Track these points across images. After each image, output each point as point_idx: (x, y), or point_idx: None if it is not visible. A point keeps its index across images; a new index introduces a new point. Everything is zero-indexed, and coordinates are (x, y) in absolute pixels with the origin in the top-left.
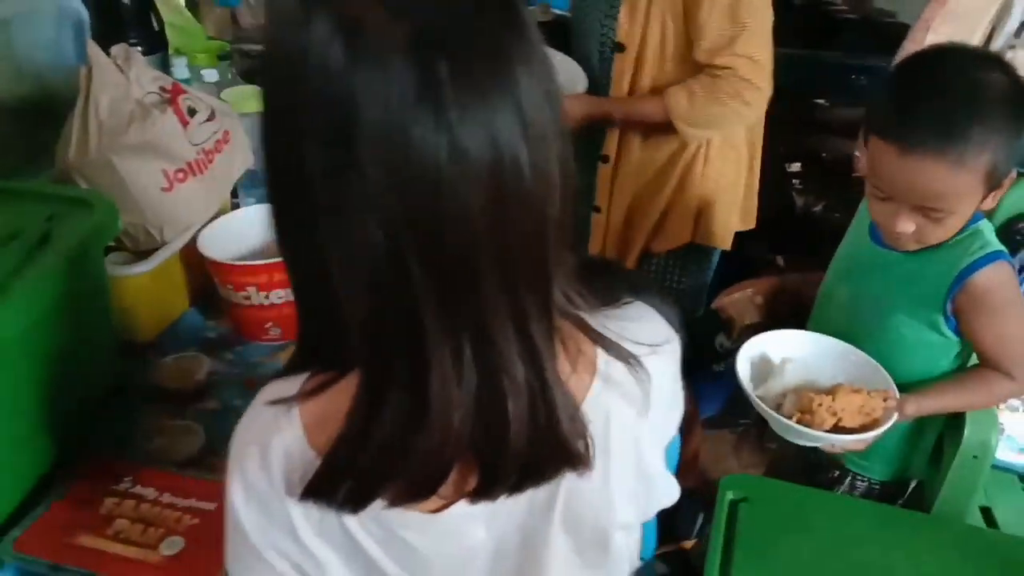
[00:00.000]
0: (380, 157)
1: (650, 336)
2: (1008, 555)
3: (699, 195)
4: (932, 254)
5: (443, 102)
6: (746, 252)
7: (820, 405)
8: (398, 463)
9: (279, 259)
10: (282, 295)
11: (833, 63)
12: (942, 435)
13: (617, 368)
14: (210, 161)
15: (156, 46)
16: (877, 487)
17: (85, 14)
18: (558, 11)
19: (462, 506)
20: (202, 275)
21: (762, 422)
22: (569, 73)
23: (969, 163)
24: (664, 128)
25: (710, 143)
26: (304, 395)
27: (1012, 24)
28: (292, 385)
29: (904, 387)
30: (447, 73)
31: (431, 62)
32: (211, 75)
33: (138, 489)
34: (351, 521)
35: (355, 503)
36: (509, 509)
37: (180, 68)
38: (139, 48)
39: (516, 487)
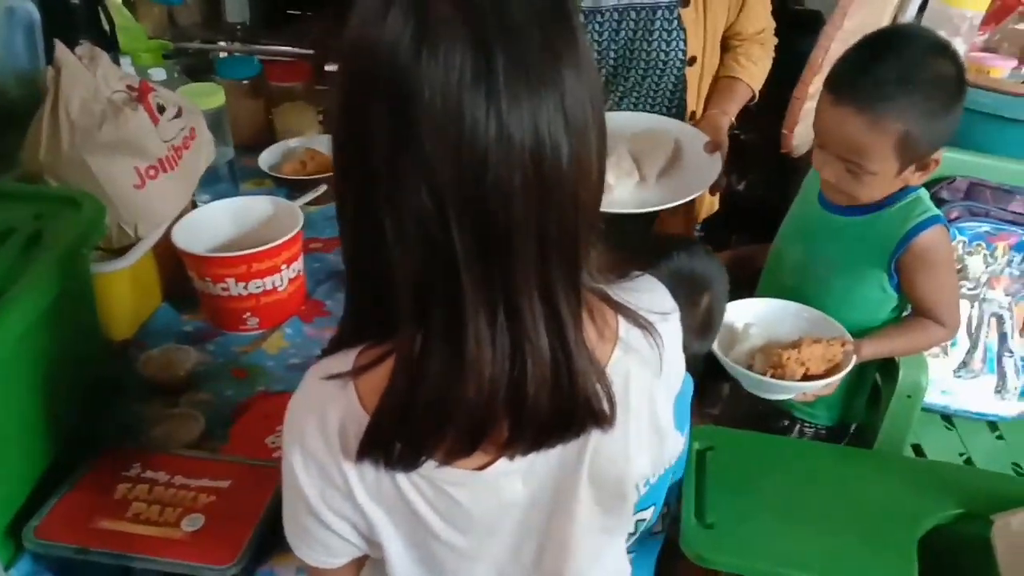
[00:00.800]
0: (435, 132)
1: (660, 306)
2: (939, 478)
3: None
4: (877, 218)
5: (496, 89)
6: (714, 235)
7: (789, 359)
8: (441, 417)
9: (254, 250)
10: (260, 284)
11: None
12: (876, 381)
13: (635, 335)
14: (179, 157)
15: (108, 47)
16: (824, 431)
17: (37, 16)
18: None
19: (503, 463)
20: (171, 270)
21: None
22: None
23: (884, 126)
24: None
25: None
26: (359, 370)
27: (912, 8)
28: (343, 361)
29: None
30: (502, 64)
31: (488, 53)
32: (159, 74)
33: (148, 474)
34: (403, 480)
35: (407, 461)
36: (544, 464)
37: (127, 67)
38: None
39: (540, 443)
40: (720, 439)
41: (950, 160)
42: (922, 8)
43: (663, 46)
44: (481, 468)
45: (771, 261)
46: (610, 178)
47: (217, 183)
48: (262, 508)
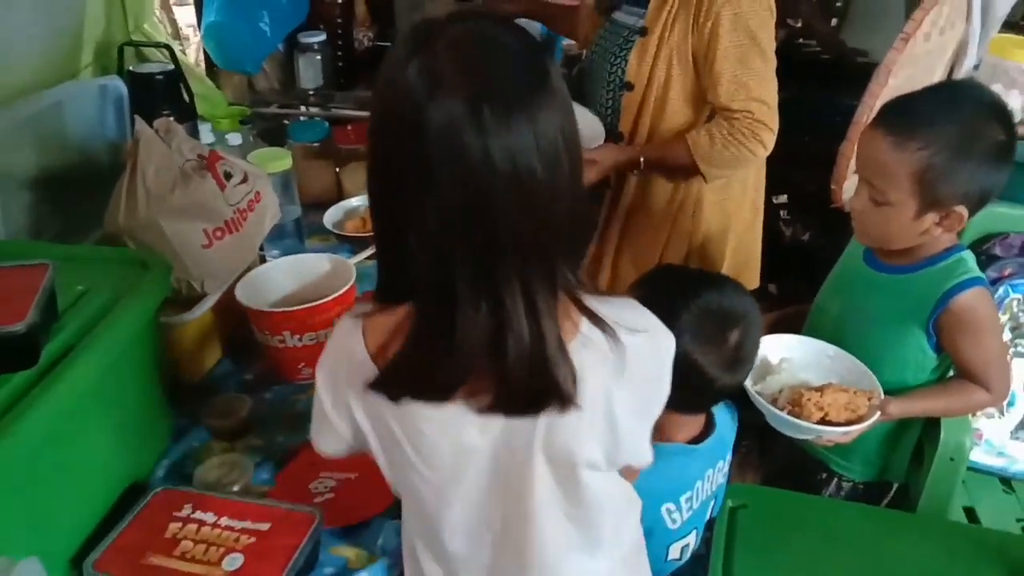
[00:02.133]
0: (440, 159)
1: (629, 321)
2: (988, 546)
3: (690, 240)
4: (917, 276)
5: (483, 129)
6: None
7: (808, 400)
8: (431, 373)
9: (309, 305)
10: (314, 337)
11: (812, 101)
12: (922, 442)
13: (597, 335)
14: (244, 219)
15: (187, 115)
16: (861, 487)
17: (125, 91)
18: None
19: (463, 406)
20: (235, 324)
21: (761, 439)
22: (590, 126)
23: (906, 149)
24: (683, 172)
25: (702, 193)
26: (367, 314)
27: (968, 63)
28: (365, 309)
29: (885, 395)
30: (488, 112)
31: (478, 104)
32: (235, 139)
33: (198, 514)
34: (387, 410)
35: (395, 396)
36: (499, 425)
37: (206, 133)
38: (172, 118)
39: (510, 411)
40: (754, 497)
41: (1004, 215)
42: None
43: (611, 63)
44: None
45: (813, 315)
46: None
47: (284, 239)
48: (294, 551)
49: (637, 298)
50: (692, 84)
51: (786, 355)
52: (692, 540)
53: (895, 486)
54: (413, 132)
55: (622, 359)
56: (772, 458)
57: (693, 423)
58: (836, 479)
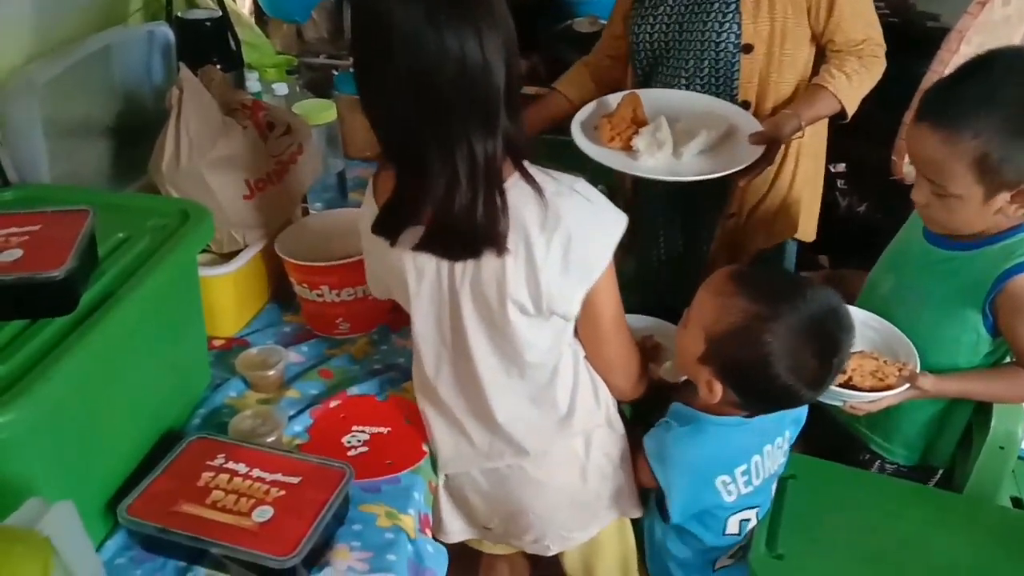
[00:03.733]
0: (403, 45)
1: (565, 183)
2: None
3: (790, 193)
4: (977, 255)
5: (438, 23)
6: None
7: None
8: (408, 212)
9: (349, 260)
10: (351, 292)
11: None
12: (971, 428)
13: (525, 190)
14: (286, 171)
15: (234, 63)
16: (905, 470)
17: (172, 37)
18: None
19: (404, 248)
20: (275, 277)
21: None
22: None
23: (958, 143)
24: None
25: (801, 143)
26: (375, 173)
27: None
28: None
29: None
30: (444, 11)
31: (436, 6)
32: (281, 89)
33: (231, 464)
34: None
35: (386, 237)
36: (426, 262)
37: (253, 83)
38: (219, 66)
39: (451, 255)
40: (804, 468)
41: None
42: None
43: (716, 27)
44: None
45: (866, 289)
46: (640, 144)
47: (327, 192)
48: (323, 507)
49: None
50: (803, 34)
51: None
52: (753, 517)
53: (940, 471)
54: (383, 27)
55: (546, 216)
56: (814, 437)
57: None
58: (879, 461)
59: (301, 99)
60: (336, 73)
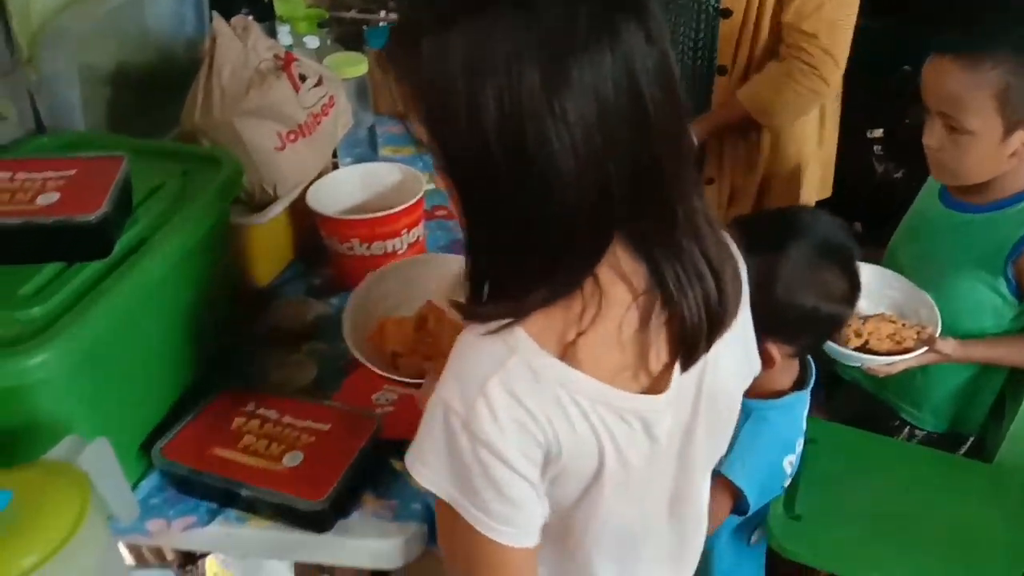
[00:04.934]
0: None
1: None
2: None
3: (770, 172)
4: (997, 216)
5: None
6: None
7: (848, 326)
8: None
9: (376, 215)
10: (381, 246)
11: (916, 29)
12: (1004, 395)
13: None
14: (317, 123)
15: (266, 15)
16: (935, 437)
17: None
18: None
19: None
20: (305, 229)
21: (829, 385)
22: None
23: (981, 72)
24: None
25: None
26: (511, 323)
27: None
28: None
29: None
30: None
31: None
32: (312, 42)
33: (262, 411)
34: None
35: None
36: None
37: (284, 35)
38: (251, 17)
39: (693, 355)
40: (825, 433)
41: None
42: None
43: None
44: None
45: (886, 258)
46: None
47: (357, 147)
48: (354, 453)
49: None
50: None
51: None
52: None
53: (970, 440)
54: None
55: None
56: (841, 404)
57: (795, 364)
58: (908, 428)
59: (332, 52)
60: (367, 28)
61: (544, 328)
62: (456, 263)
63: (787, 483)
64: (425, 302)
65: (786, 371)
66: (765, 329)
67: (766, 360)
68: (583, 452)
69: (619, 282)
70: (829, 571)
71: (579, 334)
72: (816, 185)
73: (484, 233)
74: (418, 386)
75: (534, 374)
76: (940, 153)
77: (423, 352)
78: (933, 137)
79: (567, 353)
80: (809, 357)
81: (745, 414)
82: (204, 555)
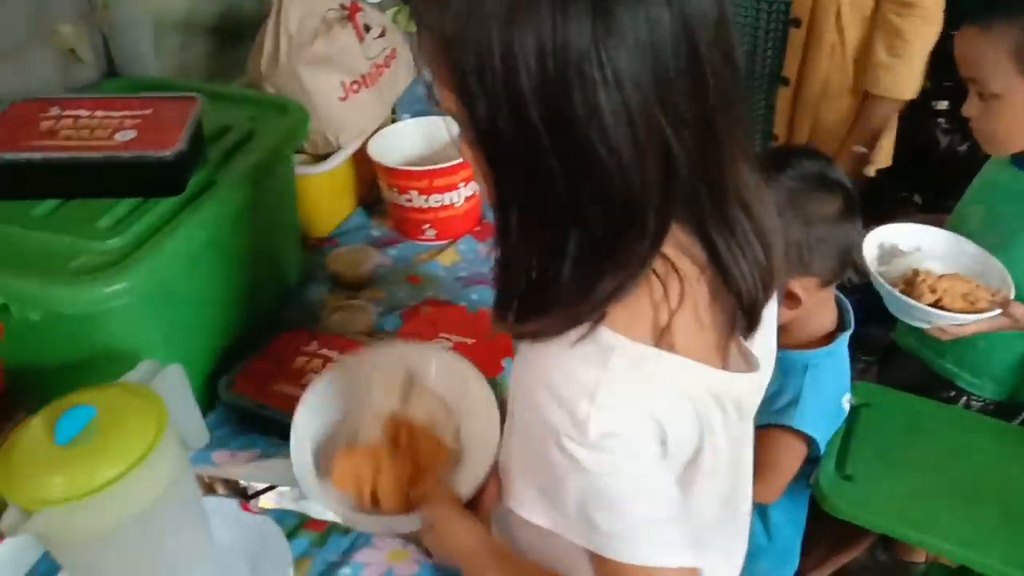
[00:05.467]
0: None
1: None
2: None
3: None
4: None
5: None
6: (882, 188)
7: (923, 280)
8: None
9: (435, 167)
10: (439, 199)
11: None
12: None
13: None
14: (380, 75)
15: None
16: (992, 407)
17: None
18: None
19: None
20: (366, 180)
21: (883, 357)
22: None
23: (992, 31)
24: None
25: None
26: (595, 322)
27: None
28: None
29: None
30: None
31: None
32: None
33: (324, 351)
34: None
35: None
36: None
37: None
38: None
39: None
40: (879, 397)
41: None
42: None
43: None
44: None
45: (953, 221)
46: None
47: (416, 103)
48: None
49: None
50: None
51: (921, 244)
52: None
53: None
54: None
55: None
56: (895, 375)
57: (830, 302)
58: (965, 397)
59: (394, 5)
60: None
61: (631, 320)
62: (400, 350)
63: (843, 420)
64: (387, 417)
65: (824, 311)
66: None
67: (792, 299)
68: (687, 439)
69: (683, 256)
70: (878, 530)
71: (672, 315)
72: (878, 155)
73: (522, 219)
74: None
75: (639, 370)
76: (978, 122)
77: (402, 479)
78: (971, 108)
79: (663, 340)
80: (845, 300)
81: (801, 367)
82: (259, 493)
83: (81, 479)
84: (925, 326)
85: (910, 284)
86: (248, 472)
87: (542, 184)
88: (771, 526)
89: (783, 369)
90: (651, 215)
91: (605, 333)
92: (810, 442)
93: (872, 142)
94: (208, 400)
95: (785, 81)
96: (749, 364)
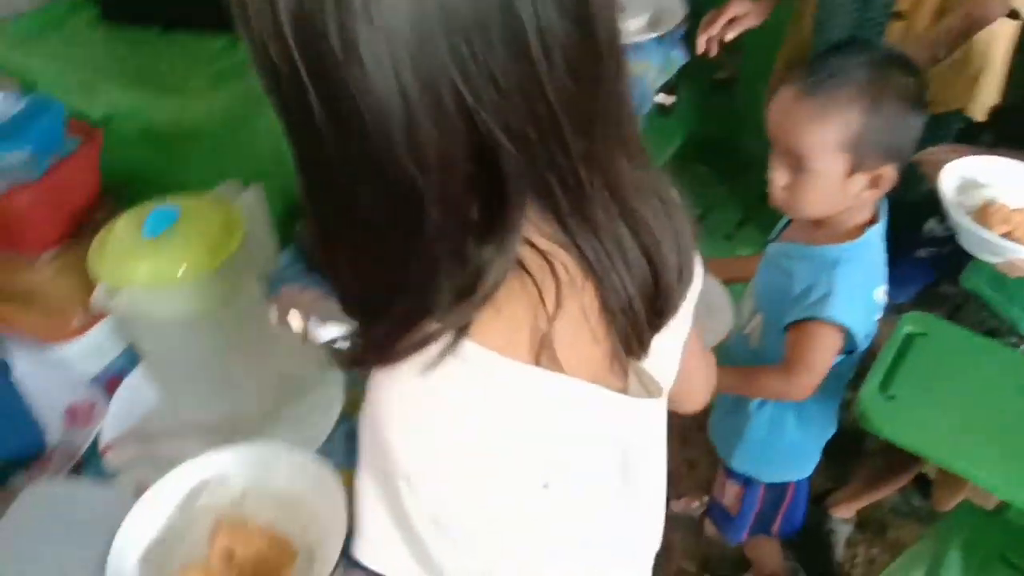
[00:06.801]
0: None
1: None
2: None
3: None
4: None
5: None
6: (965, 140)
7: (996, 212)
8: None
9: None
10: None
11: None
12: None
13: None
14: None
15: None
16: None
17: None
18: None
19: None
20: None
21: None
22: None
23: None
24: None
25: None
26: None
27: None
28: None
29: None
30: None
31: None
32: None
33: None
34: None
35: None
36: None
37: None
38: None
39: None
40: (935, 328)
41: None
42: None
43: None
44: None
45: None
46: None
47: None
48: None
49: None
50: None
51: (999, 178)
52: None
53: None
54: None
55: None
56: (960, 320)
57: (876, 196)
58: None
59: None
60: None
61: (509, 332)
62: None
63: (879, 316)
64: (213, 525)
65: (864, 209)
66: (875, 149)
67: (875, 185)
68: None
69: (560, 251)
70: (916, 452)
71: (550, 321)
72: (992, 92)
73: (322, 196)
74: None
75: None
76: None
77: None
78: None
79: (542, 354)
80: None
81: (832, 260)
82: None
83: (162, 268)
84: (996, 260)
85: (983, 215)
86: (313, 306)
87: (315, 142)
88: (785, 425)
89: (815, 266)
90: (433, 202)
91: (469, 348)
92: (845, 334)
93: (955, 42)
94: (283, 237)
95: (899, 16)
96: (649, 388)
